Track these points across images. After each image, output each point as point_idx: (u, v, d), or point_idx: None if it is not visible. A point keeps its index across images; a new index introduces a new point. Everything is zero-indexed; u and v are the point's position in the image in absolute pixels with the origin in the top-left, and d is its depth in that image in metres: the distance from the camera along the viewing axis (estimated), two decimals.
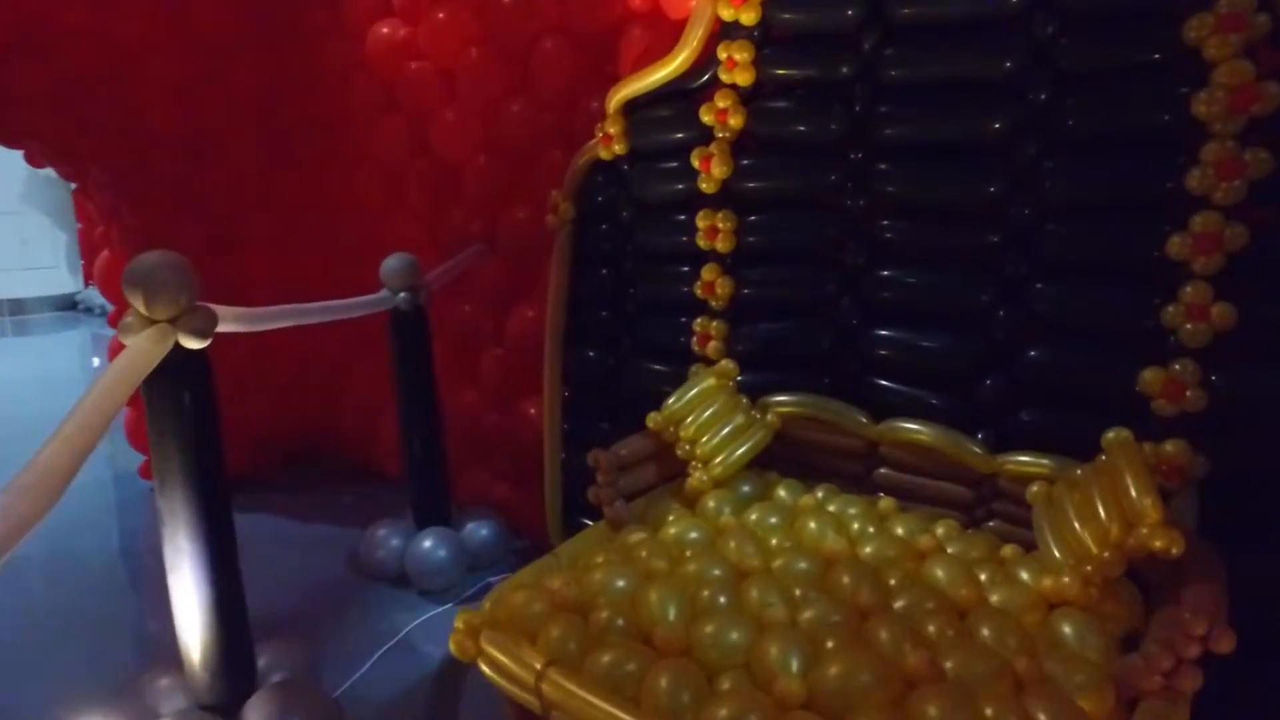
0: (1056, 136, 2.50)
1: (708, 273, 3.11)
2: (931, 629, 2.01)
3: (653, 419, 2.82)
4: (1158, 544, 2.01)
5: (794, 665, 1.88)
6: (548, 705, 1.94)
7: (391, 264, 3.73)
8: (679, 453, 2.82)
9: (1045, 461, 2.48)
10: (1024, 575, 2.30)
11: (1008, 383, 2.65)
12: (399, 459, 4.10)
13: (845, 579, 2.22)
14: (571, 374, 3.69)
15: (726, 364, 2.97)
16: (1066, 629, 2.08)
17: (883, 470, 2.84)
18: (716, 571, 2.27)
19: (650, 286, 3.39)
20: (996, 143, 2.59)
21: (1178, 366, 2.33)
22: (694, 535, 2.53)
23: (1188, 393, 2.32)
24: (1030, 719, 1.74)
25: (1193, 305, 2.30)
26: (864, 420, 2.81)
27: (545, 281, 3.66)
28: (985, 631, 2.02)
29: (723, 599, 2.15)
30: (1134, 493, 2.09)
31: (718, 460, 2.77)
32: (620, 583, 2.23)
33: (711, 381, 2.90)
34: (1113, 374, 2.46)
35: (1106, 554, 2.10)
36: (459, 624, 2.09)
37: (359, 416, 5.18)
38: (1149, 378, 2.37)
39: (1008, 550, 2.44)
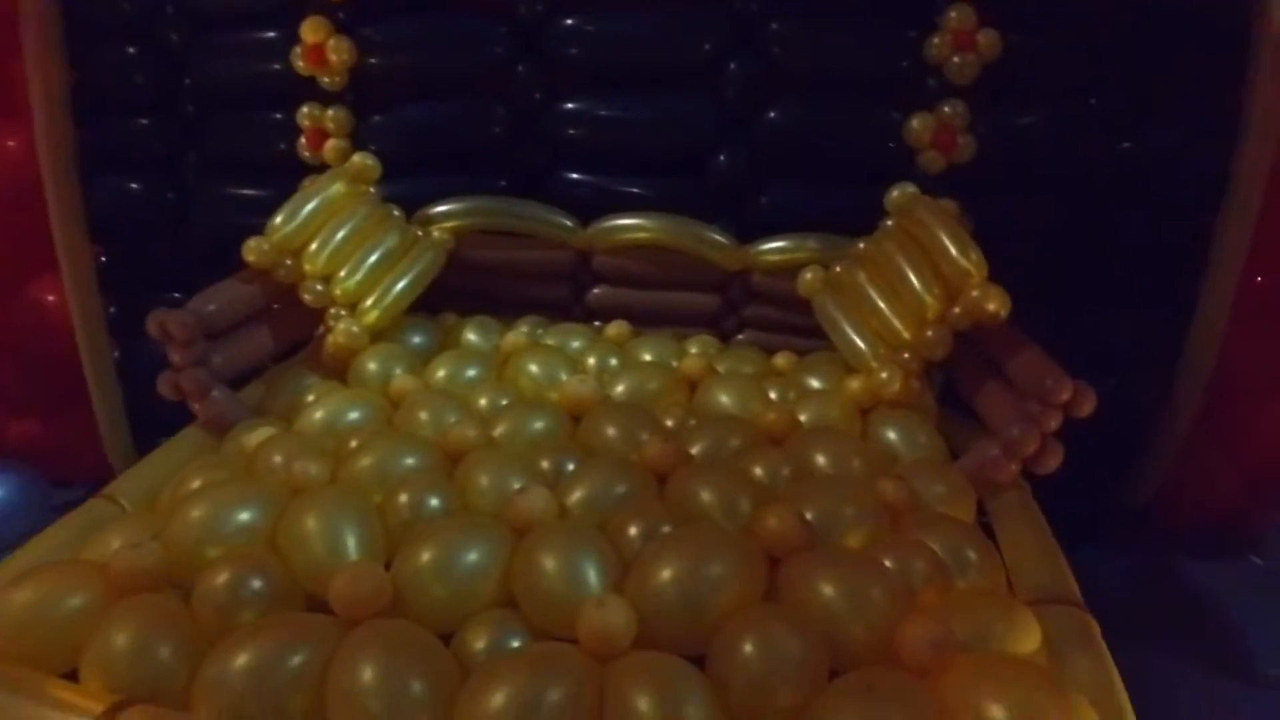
0: None
1: (311, 31, 2.03)
2: (760, 472, 1.36)
3: (254, 248, 1.76)
4: (991, 306, 1.59)
5: (593, 580, 1.10)
6: None
7: None
8: (306, 297, 1.81)
9: (811, 244, 1.95)
10: (815, 384, 1.78)
11: (747, 154, 2.05)
12: None
13: (609, 430, 1.49)
14: (105, 224, 2.38)
15: (361, 160, 1.97)
16: (891, 434, 1.60)
17: (599, 290, 2.12)
18: (410, 460, 1.39)
19: (218, 64, 2.19)
20: None
21: (947, 109, 1.91)
22: (355, 415, 1.59)
23: (959, 139, 1.91)
24: (931, 557, 1.19)
25: (959, 33, 1.87)
26: (568, 224, 2.05)
27: (18, 79, 2.23)
28: (821, 460, 1.43)
29: (434, 501, 1.28)
30: (953, 250, 1.62)
31: (370, 301, 1.82)
32: (244, 515, 1.25)
33: (340, 187, 1.90)
34: (872, 127, 1.99)
35: (930, 332, 1.63)
36: None
37: None
38: (917, 126, 1.92)
39: (780, 360, 1.91)
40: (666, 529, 1.20)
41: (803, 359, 1.89)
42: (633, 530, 1.20)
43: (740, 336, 2.08)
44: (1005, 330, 1.65)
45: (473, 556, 1.16)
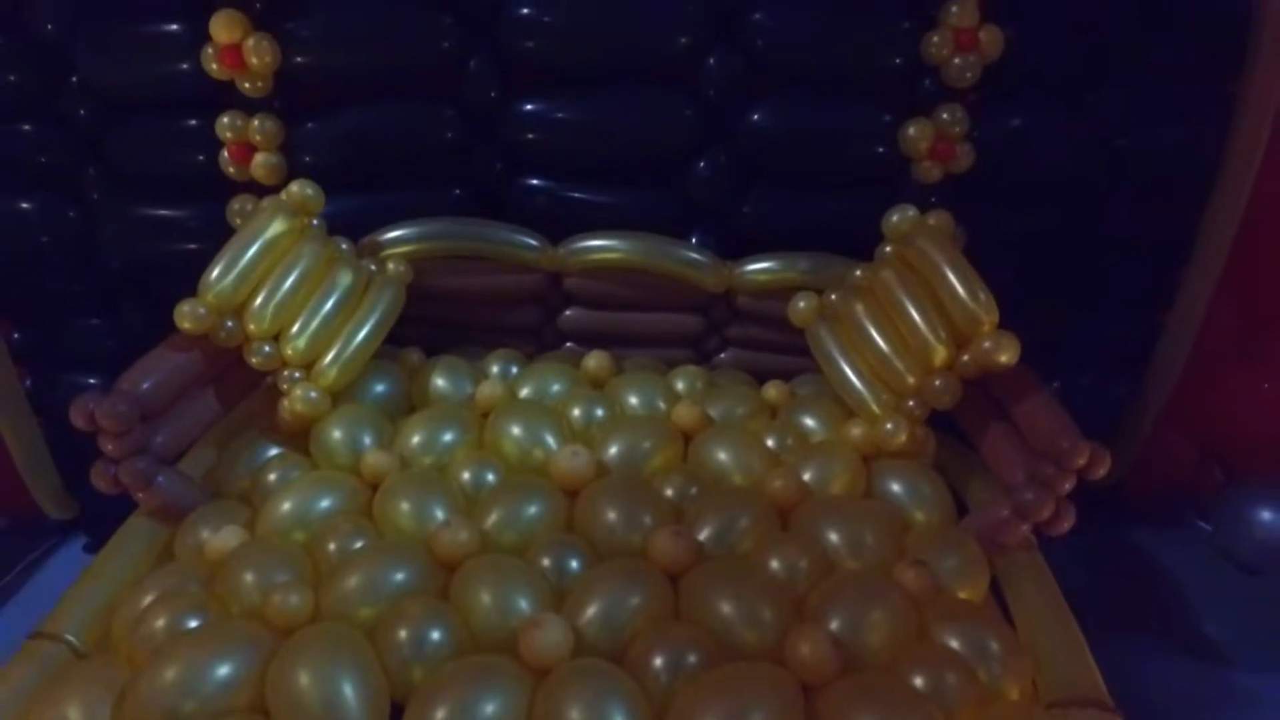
0: None
1: (224, 29, 1.73)
2: (777, 566, 1.29)
3: (189, 314, 1.52)
4: (1003, 358, 1.50)
5: None
6: None
7: None
8: (253, 361, 1.61)
9: (801, 264, 1.82)
10: (810, 423, 1.70)
11: (727, 160, 1.88)
12: None
13: (609, 514, 1.38)
14: None
15: (300, 191, 1.72)
16: (896, 487, 1.54)
17: (571, 312, 1.97)
18: (400, 576, 1.26)
19: (113, 66, 1.87)
20: None
21: (945, 115, 1.77)
22: (327, 504, 1.44)
23: (957, 148, 1.79)
24: (963, 670, 1.15)
25: (960, 31, 1.71)
26: (534, 244, 1.87)
27: None
28: (834, 539, 1.37)
29: (435, 635, 1.17)
30: (961, 292, 1.52)
31: (328, 359, 1.63)
32: (223, 669, 1.11)
33: (279, 226, 1.66)
34: (864, 131, 1.84)
35: (938, 381, 1.55)
36: None
37: None
38: (915, 133, 1.78)
39: (772, 392, 1.81)
40: (693, 658, 1.12)
41: (796, 392, 1.80)
42: (658, 661, 1.12)
43: (723, 355, 1.97)
44: (1013, 370, 1.59)
45: (490, 709, 1.06)
